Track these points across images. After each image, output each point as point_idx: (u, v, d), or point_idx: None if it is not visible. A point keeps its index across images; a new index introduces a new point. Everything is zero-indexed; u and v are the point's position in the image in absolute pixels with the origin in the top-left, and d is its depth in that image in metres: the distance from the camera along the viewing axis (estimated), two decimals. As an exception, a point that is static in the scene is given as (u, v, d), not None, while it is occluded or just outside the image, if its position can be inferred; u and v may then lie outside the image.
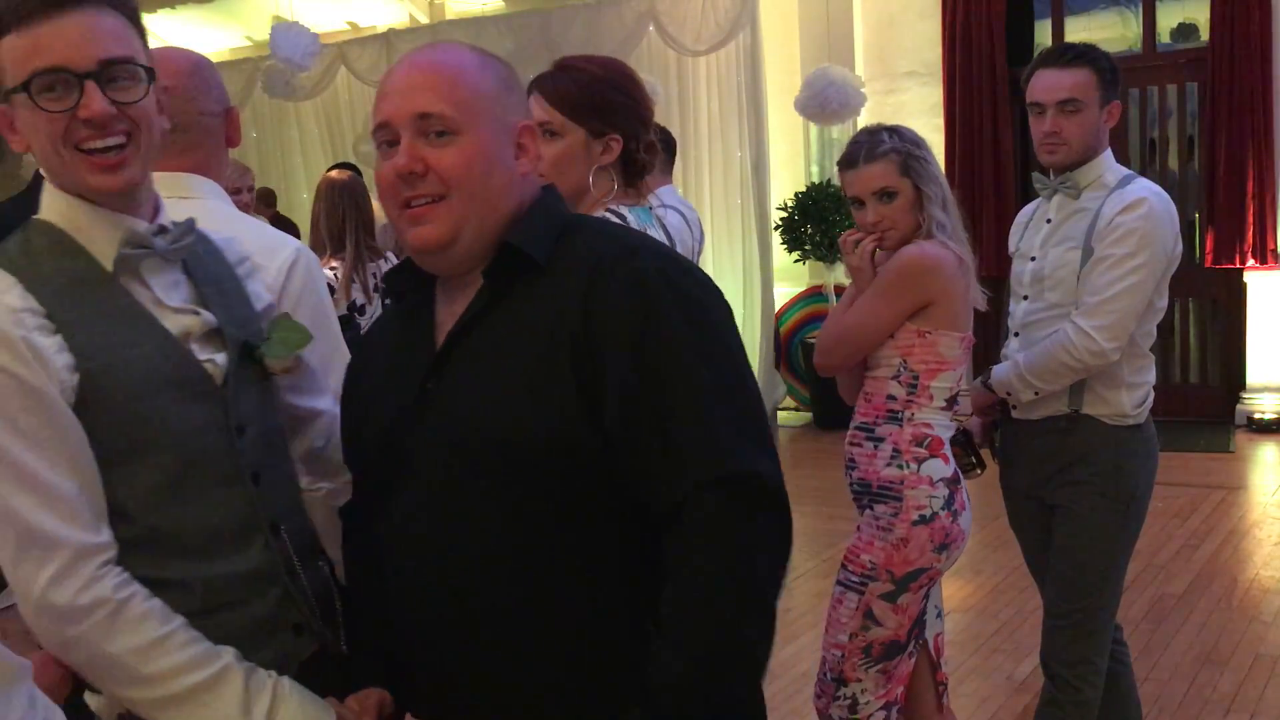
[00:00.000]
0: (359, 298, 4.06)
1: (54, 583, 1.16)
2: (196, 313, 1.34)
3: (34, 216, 1.33)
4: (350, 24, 8.38)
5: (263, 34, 7.57)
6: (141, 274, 1.32)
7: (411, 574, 1.26)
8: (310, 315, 1.73)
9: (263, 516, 1.33)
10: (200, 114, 1.79)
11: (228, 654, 1.23)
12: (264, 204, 6.59)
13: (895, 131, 2.34)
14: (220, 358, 1.33)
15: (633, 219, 1.96)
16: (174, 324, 1.31)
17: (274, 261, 1.73)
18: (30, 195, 2.24)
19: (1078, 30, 7.03)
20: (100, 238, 1.29)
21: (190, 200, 1.80)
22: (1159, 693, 3.19)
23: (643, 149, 1.95)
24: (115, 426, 1.23)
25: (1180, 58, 6.78)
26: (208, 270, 1.42)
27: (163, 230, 1.35)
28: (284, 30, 6.70)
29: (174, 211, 1.79)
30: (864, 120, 6.29)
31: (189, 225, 1.38)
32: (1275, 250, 6.32)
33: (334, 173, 4.43)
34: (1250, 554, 4.43)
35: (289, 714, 1.22)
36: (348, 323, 4.03)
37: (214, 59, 2.04)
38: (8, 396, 1.18)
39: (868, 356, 2.29)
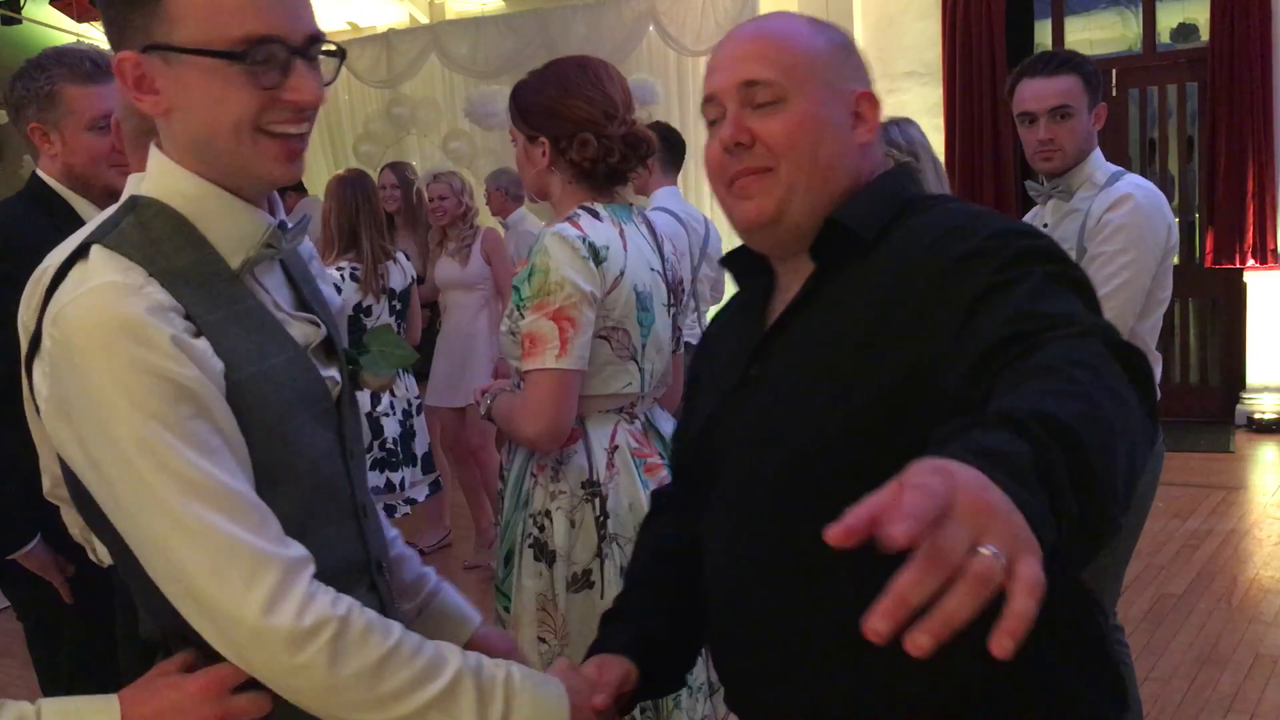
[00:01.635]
0: (367, 299, 4.05)
1: (270, 606, 0.98)
2: (315, 321, 1.20)
3: (141, 195, 1.12)
4: (350, 24, 8.38)
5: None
6: (257, 274, 1.15)
7: (717, 564, 1.21)
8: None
9: (371, 554, 1.21)
10: None
11: (453, 655, 1.09)
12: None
13: (895, 124, 2.40)
14: (334, 372, 1.20)
15: (606, 215, 1.96)
16: (297, 333, 1.16)
17: None
18: (29, 196, 2.24)
19: (1077, 30, 7.04)
20: (229, 232, 1.11)
21: None
22: (1159, 693, 3.19)
23: (575, 149, 1.94)
24: (257, 449, 1.06)
25: (1180, 58, 6.77)
26: (301, 270, 1.26)
27: (282, 226, 1.17)
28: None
29: None
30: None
31: (305, 222, 1.22)
32: (1275, 250, 6.32)
33: (340, 172, 4.43)
34: (1250, 554, 4.43)
35: (523, 711, 1.09)
36: (355, 324, 4.03)
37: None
38: (173, 403, 0.99)
39: None
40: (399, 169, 5.33)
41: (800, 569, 1.11)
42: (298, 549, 1.03)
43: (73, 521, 2.00)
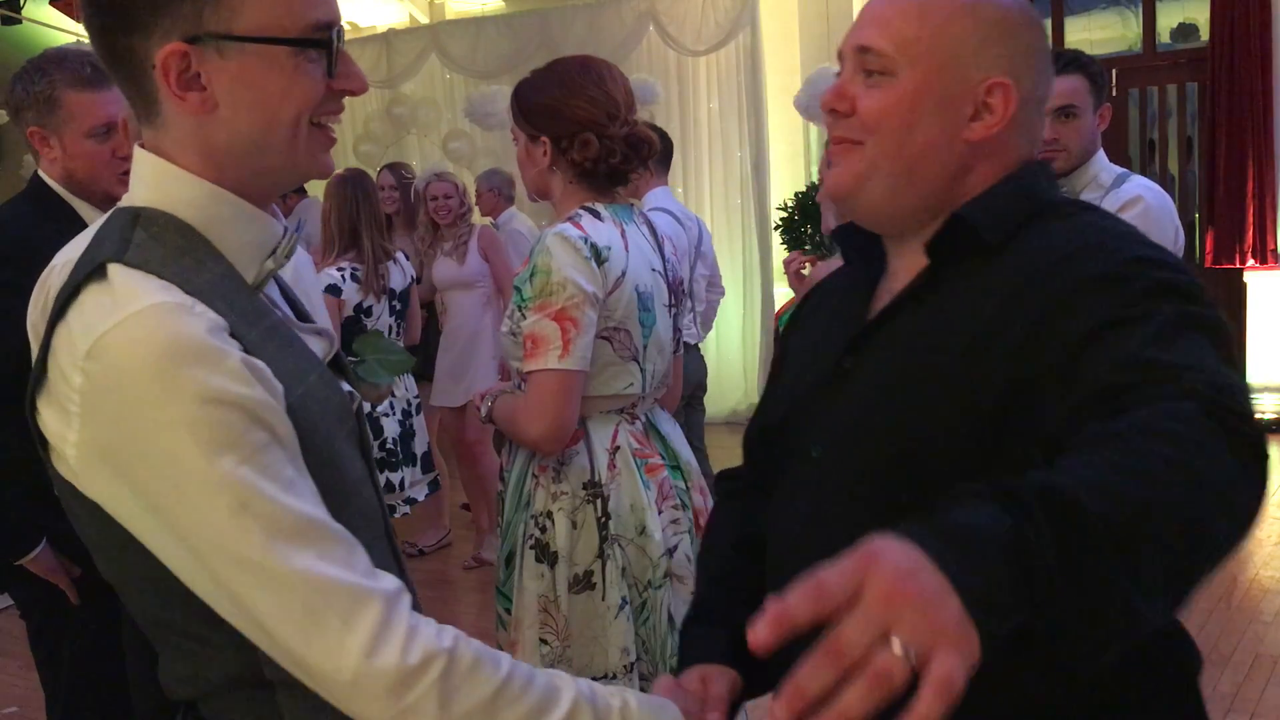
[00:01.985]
0: (368, 299, 4.05)
1: (373, 648, 0.89)
2: (325, 333, 1.12)
3: (142, 207, 1.00)
4: (350, 24, 8.37)
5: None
6: (263, 286, 1.06)
7: (785, 553, 1.16)
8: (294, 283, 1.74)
9: (405, 577, 1.10)
10: None
11: (566, 684, 0.99)
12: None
13: None
14: (344, 385, 1.10)
15: (607, 215, 1.96)
16: (315, 346, 1.07)
17: None
18: (31, 198, 2.24)
19: (1078, 30, 7.04)
20: (242, 243, 1.02)
21: None
22: (1159, 693, 3.19)
23: (576, 149, 1.94)
24: (316, 475, 0.96)
25: (1180, 58, 6.77)
26: (288, 278, 1.17)
27: (285, 233, 1.09)
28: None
29: None
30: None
31: (301, 228, 1.16)
32: (1275, 250, 6.32)
33: (339, 171, 4.42)
34: (1250, 554, 4.43)
35: None
36: (356, 325, 4.02)
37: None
38: (244, 432, 0.88)
39: None
40: (397, 170, 5.33)
41: None
42: (390, 579, 0.94)
43: (74, 522, 2.01)
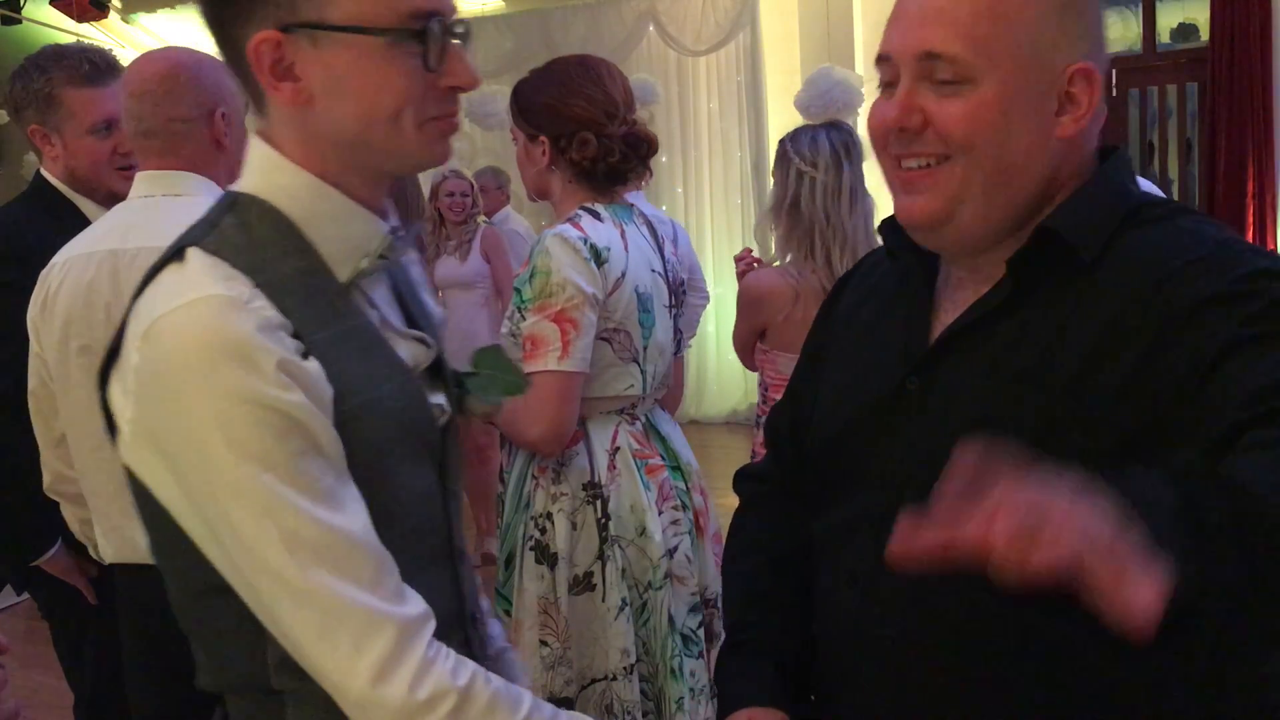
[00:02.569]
0: None
1: (381, 675, 0.88)
2: (425, 341, 1.07)
3: (242, 192, 0.99)
4: (350, 24, 8.36)
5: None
6: (364, 288, 1.02)
7: (852, 594, 1.07)
8: None
9: (467, 604, 1.08)
10: (169, 119, 1.79)
11: None
12: None
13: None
14: (440, 398, 1.06)
15: (607, 215, 1.96)
16: (406, 354, 1.03)
17: None
18: (33, 197, 2.23)
19: (1078, 30, 7.03)
20: (341, 239, 0.99)
21: (180, 198, 1.81)
22: (1160, 693, 3.18)
23: (575, 148, 1.93)
24: (362, 486, 0.93)
25: (1180, 58, 6.77)
26: (407, 282, 1.11)
27: (394, 233, 1.04)
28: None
29: (162, 209, 1.80)
30: (864, 120, 6.29)
31: (416, 229, 1.12)
32: (1276, 250, 6.32)
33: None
34: (1250, 554, 4.42)
35: None
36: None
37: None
38: (279, 439, 0.87)
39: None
40: None
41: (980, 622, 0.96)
42: (416, 604, 0.91)
43: (73, 518, 2.01)
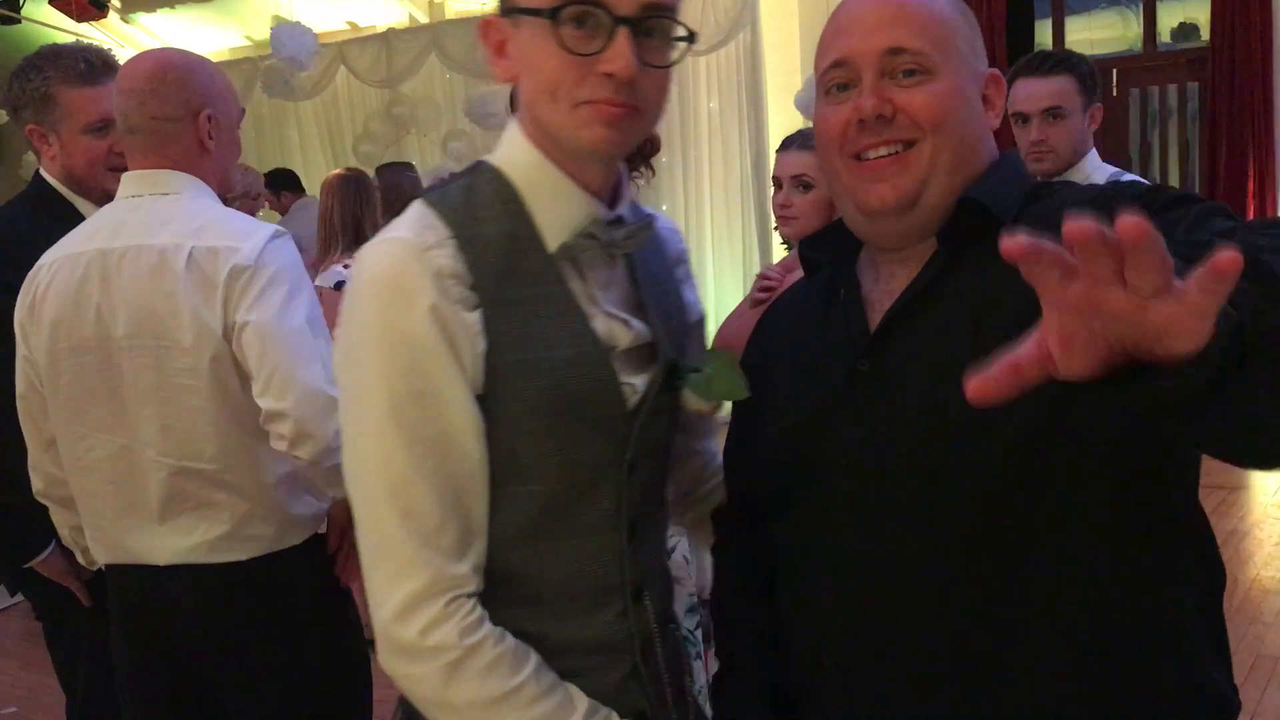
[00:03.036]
0: None
1: (401, 615, 1.00)
2: (628, 322, 1.11)
3: (487, 161, 1.11)
4: (350, 24, 8.37)
5: (262, 34, 7.56)
6: (580, 262, 1.09)
7: (831, 580, 1.09)
8: (281, 289, 1.73)
9: (628, 576, 1.11)
10: (153, 117, 1.78)
11: (581, 702, 1.05)
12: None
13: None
14: (640, 380, 1.11)
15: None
16: (602, 329, 1.08)
17: (248, 241, 1.73)
18: (32, 198, 2.23)
19: (1078, 30, 7.03)
20: (555, 211, 1.07)
21: (167, 196, 1.80)
22: (1159, 693, 3.18)
23: None
24: (503, 440, 1.02)
25: (1180, 58, 6.77)
26: (650, 270, 1.18)
27: (619, 221, 1.11)
28: (287, 30, 6.70)
29: (149, 208, 1.80)
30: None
31: (648, 220, 1.15)
32: (1275, 250, 6.32)
33: (337, 170, 4.41)
34: (1250, 554, 4.42)
35: None
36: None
37: (214, 59, 2.02)
38: (404, 375, 0.98)
39: None
40: (392, 170, 5.33)
41: (988, 571, 1.01)
42: (459, 567, 1.01)
43: (62, 523, 2.00)
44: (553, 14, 0.98)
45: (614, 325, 1.09)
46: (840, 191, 1.13)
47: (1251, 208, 6.29)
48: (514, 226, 1.05)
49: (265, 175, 6.10)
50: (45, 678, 4.23)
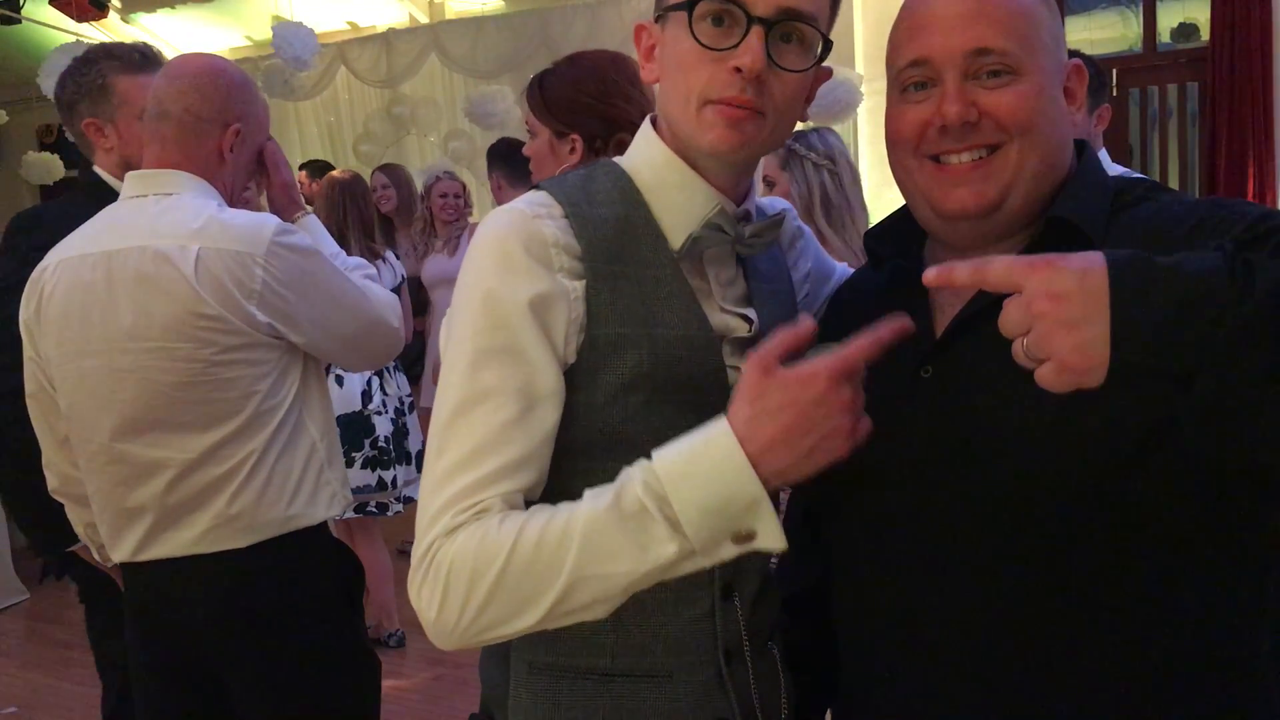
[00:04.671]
0: None
1: (433, 519, 0.99)
2: (746, 317, 1.13)
3: (611, 159, 1.15)
4: (350, 24, 8.37)
5: (262, 34, 7.56)
6: (704, 258, 1.11)
7: (892, 591, 1.06)
8: (294, 278, 1.75)
9: (717, 571, 1.08)
10: (186, 109, 1.82)
11: (575, 524, 0.96)
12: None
13: (816, 133, 2.60)
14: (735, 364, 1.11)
15: None
16: (716, 321, 1.10)
17: (255, 238, 1.75)
18: (89, 195, 2.22)
19: (1078, 30, 7.03)
20: (679, 206, 1.09)
21: (170, 196, 1.81)
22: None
23: (611, 150, 1.86)
24: (598, 412, 1.04)
25: (1180, 58, 6.77)
26: (761, 264, 1.19)
27: (747, 217, 1.14)
28: (287, 29, 6.70)
29: (152, 208, 1.81)
30: (864, 120, 6.29)
31: (778, 219, 1.16)
32: (1275, 250, 6.32)
33: (336, 172, 4.44)
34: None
35: (683, 496, 0.92)
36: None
37: (213, 59, 2.04)
38: (489, 331, 1.01)
39: None
40: (390, 170, 5.35)
41: (1077, 582, 0.98)
42: (499, 502, 0.99)
43: (77, 520, 2.02)
44: (690, 7, 1.01)
45: (729, 319, 1.11)
46: (912, 191, 1.09)
47: (1251, 208, 6.29)
48: (629, 212, 1.08)
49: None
50: (45, 678, 4.24)
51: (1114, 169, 2.51)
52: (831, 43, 1.07)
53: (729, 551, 0.93)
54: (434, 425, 1.03)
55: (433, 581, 0.96)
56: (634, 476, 0.93)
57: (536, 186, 1.10)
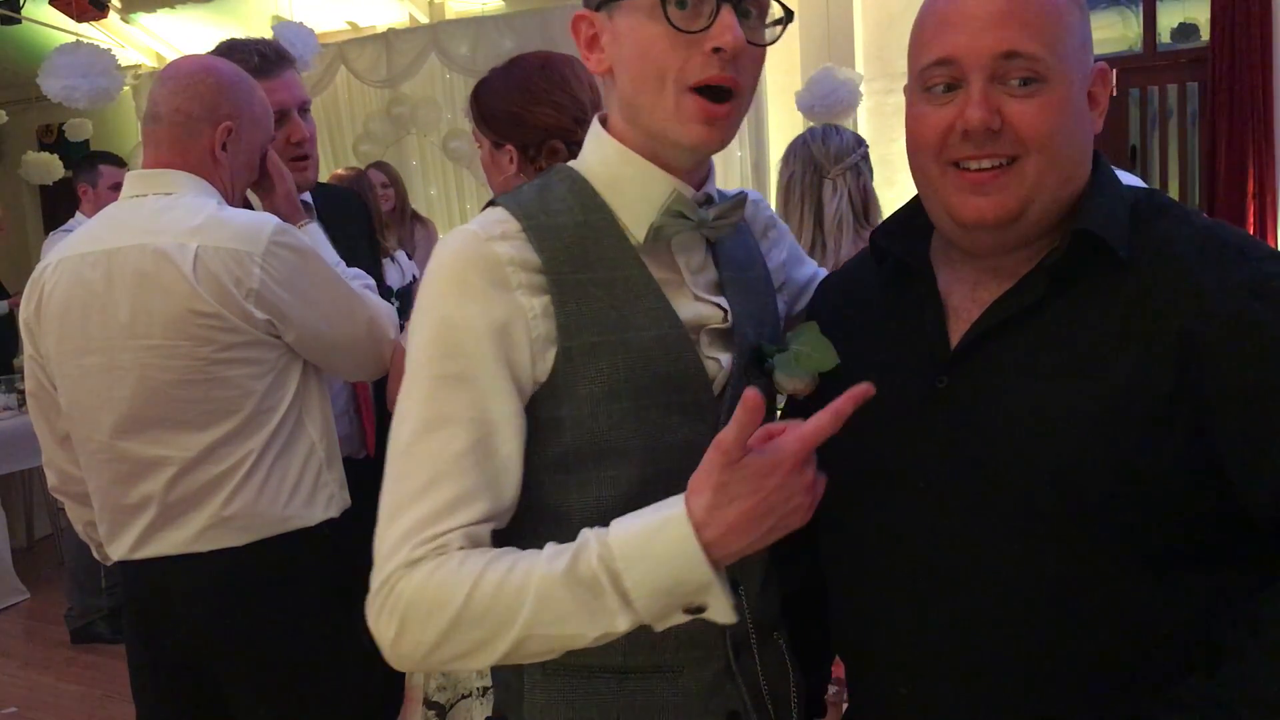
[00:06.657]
0: None
1: (387, 557, 0.99)
2: (719, 305, 1.12)
3: (566, 165, 1.14)
4: (350, 24, 8.37)
5: (262, 34, 7.55)
6: (671, 247, 1.10)
7: (910, 609, 1.05)
8: (292, 278, 1.75)
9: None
10: (175, 110, 1.83)
11: (532, 578, 0.96)
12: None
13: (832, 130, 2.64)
14: (726, 359, 1.11)
15: None
16: (689, 312, 1.09)
17: (254, 237, 1.76)
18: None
19: (1078, 30, 7.03)
20: (638, 198, 1.08)
21: (170, 196, 1.82)
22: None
23: (545, 158, 1.84)
24: (584, 423, 1.03)
25: (1180, 58, 6.77)
26: (731, 251, 1.17)
27: (709, 201, 1.11)
28: (287, 29, 6.70)
29: (152, 207, 1.82)
30: (864, 120, 6.29)
31: (740, 199, 1.13)
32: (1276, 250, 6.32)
33: (340, 170, 4.41)
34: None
35: (636, 572, 0.93)
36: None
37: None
38: (441, 358, 1.01)
39: None
40: (386, 168, 5.34)
41: (1088, 599, 0.97)
42: (455, 520, 0.98)
43: (77, 518, 2.02)
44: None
45: (702, 308, 1.10)
46: (930, 195, 1.07)
47: (1251, 208, 6.29)
48: (588, 216, 1.07)
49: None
50: (45, 678, 4.24)
51: (1126, 179, 2.52)
52: (792, 13, 1.06)
53: (680, 619, 0.95)
54: (392, 448, 1.02)
55: (390, 612, 0.98)
56: (590, 544, 0.94)
57: (493, 202, 1.09)
